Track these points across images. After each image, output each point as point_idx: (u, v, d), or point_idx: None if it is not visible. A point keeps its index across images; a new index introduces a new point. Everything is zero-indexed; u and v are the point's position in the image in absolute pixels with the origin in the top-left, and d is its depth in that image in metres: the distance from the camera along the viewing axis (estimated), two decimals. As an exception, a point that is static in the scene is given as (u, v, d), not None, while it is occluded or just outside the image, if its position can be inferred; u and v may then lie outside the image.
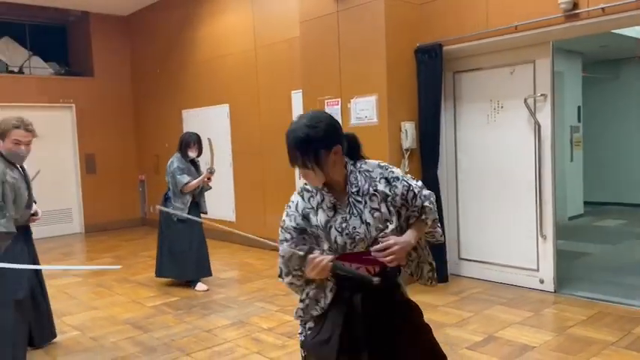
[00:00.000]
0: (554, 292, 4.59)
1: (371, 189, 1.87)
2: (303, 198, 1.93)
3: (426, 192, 1.95)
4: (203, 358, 3.49)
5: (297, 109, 6.28)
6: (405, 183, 1.91)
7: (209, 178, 5.28)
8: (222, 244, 7.33)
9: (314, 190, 1.91)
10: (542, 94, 4.52)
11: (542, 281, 4.65)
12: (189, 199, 5.22)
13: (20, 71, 8.92)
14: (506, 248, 4.88)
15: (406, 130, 4.87)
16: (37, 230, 3.40)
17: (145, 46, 9.28)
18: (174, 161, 5.21)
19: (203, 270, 5.29)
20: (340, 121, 5.21)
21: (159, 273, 5.37)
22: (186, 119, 8.42)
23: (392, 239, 1.83)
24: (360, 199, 1.87)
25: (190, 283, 5.26)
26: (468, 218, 5.14)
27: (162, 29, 8.77)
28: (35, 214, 3.59)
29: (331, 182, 1.88)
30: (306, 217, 1.90)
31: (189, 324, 4.19)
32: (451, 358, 1.89)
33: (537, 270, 4.69)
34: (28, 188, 3.52)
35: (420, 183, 1.97)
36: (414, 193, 1.90)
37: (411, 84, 4.98)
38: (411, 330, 1.97)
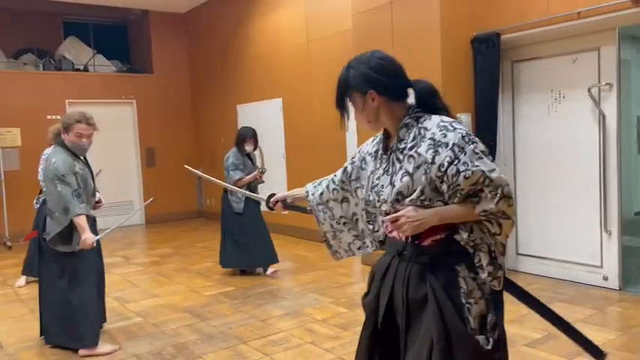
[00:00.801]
0: (619, 289, 4.39)
1: (414, 149, 1.64)
2: (372, 141, 1.86)
3: (493, 175, 1.56)
4: (258, 347, 3.57)
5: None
6: (451, 154, 1.56)
7: (260, 177, 5.38)
8: (276, 235, 7.42)
9: (379, 137, 1.81)
10: (607, 84, 4.32)
11: (606, 278, 4.46)
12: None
13: (85, 69, 9.34)
14: (568, 244, 4.70)
15: (462, 122, 4.77)
16: (101, 221, 3.62)
17: (202, 43, 9.51)
18: (230, 156, 5.35)
19: (269, 258, 5.41)
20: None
21: (225, 264, 5.48)
22: (241, 114, 8.58)
23: (404, 210, 1.64)
24: (401, 156, 1.67)
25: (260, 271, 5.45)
26: (527, 213, 4.99)
27: (218, 26, 8.96)
28: (99, 201, 3.84)
29: (390, 132, 1.75)
30: (364, 160, 1.87)
31: (244, 313, 4.29)
32: (510, 356, 1.82)
33: (601, 266, 4.50)
34: (92, 178, 3.75)
35: (490, 166, 1.57)
36: (457, 169, 1.55)
37: (467, 75, 4.88)
38: (422, 325, 1.68)
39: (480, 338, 1.64)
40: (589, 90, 4.37)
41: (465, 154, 1.56)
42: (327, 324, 3.95)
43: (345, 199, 2.04)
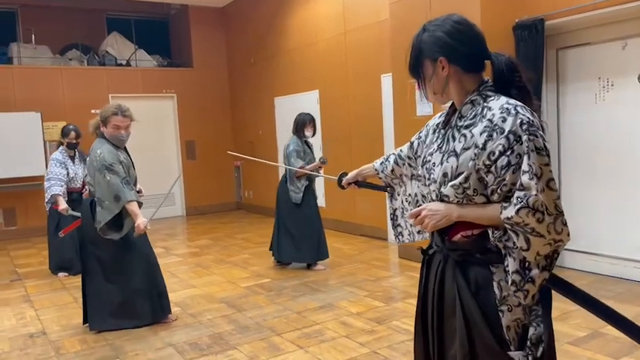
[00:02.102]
0: (672, 287, 4.17)
1: (469, 128, 1.47)
2: (440, 115, 1.71)
3: (534, 192, 1.34)
4: (293, 339, 3.55)
5: (387, 93, 6.18)
6: (505, 143, 1.37)
7: (320, 167, 5.31)
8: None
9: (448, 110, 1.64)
10: (660, 70, 4.09)
11: (657, 275, 4.24)
12: (304, 182, 5.31)
13: (127, 64, 9.54)
14: (617, 238, 4.49)
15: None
16: (143, 212, 3.73)
17: (240, 37, 9.56)
18: (291, 144, 5.27)
19: (321, 253, 5.34)
20: (431, 105, 5.09)
21: (279, 257, 5.41)
22: (278, 106, 8.59)
23: (425, 204, 1.56)
24: (457, 134, 1.51)
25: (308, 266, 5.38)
26: (573, 207, 4.78)
27: (256, 19, 8.98)
28: (139, 191, 3.96)
29: (457, 106, 1.57)
30: (428, 135, 1.74)
31: (279, 305, 4.29)
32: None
33: (652, 263, 4.28)
34: (134, 168, 3.89)
35: (532, 169, 1.35)
36: (509, 162, 1.37)
37: (509, 63, 4.70)
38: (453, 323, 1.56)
39: (517, 354, 1.46)
40: (639, 77, 4.15)
41: (520, 145, 1.36)
42: (362, 318, 3.90)
43: (413, 176, 1.97)
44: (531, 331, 1.47)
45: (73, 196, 5.63)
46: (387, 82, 6.21)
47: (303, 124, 5.28)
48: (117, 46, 9.63)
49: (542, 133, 1.39)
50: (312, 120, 5.34)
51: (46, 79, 8.56)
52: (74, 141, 5.64)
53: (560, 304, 3.89)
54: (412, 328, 3.57)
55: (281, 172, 8.27)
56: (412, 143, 1.93)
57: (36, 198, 8.34)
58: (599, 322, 3.52)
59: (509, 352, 1.46)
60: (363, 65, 6.66)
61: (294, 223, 5.26)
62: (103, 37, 9.82)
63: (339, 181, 2.27)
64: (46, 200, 5.33)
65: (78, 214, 5.16)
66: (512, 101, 1.46)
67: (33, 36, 9.10)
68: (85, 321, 3.94)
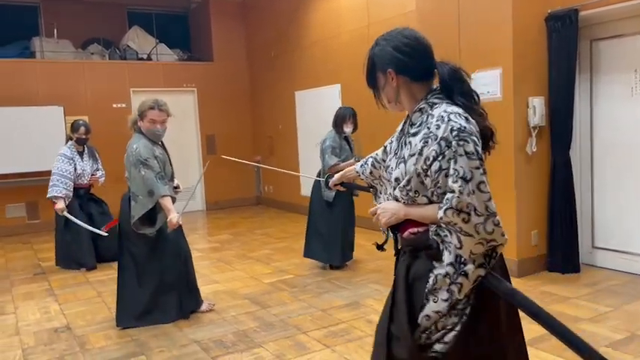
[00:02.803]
0: None
1: (415, 136, 1.58)
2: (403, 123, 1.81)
3: (457, 194, 1.43)
4: (319, 338, 3.49)
5: (413, 86, 6.05)
6: (437, 149, 1.47)
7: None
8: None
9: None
10: (701, 61, 3.92)
11: (695, 276, 4.09)
12: None
13: (149, 58, 9.54)
14: (651, 237, 4.34)
15: (534, 106, 4.47)
16: (174, 206, 3.73)
17: (261, 30, 9.49)
18: (327, 139, 5.01)
19: (347, 255, 5.18)
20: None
21: (306, 253, 5.24)
22: (299, 101, 8.51)
23: (383, 203, 1.71)
24: (407, 141, 1.63)
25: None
26: (605, 203, 4.64)
27: (277, 12, 8.90)
28: (177, 186, 4.01)
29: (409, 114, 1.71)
30: (394, 140, 1.85)
31: (304, 302, 4.23)
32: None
33: (690, 263, 4.12)
34: (170, 163, 3.90)
35: (459, 173, 1.45)
36: (441, 166, 1.47)
37: (540, 55, 4.56)
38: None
39: (421, 336, 1.58)
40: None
41: (450, 150, 1.47)
42: (389, 316, 3.81)
43: None
44: (443, 320, 1.55)
45: (80, 193, 5.64)
46: (411, 75, 6.09)
47: (342, 118, 4.98)
48: (138, 40, 9.63)
49: (474, 138, 1.48)
50: (353, 115, 5.02)
51: (68, 74, 8.59)
52: (84, 136, 5.62)
53: (595, 305, 3.76)
54: (442, 328, 3.49)
55: (303, 167, 8.22)
56: (385, 147, 2.01)
57: (58, 192, 8.41)
58: (637, 325, 3.41)
59: (421, 339, 1.58)
60: (387, 58, 6.53)
61: (325, 223, 5.04)
62: (124, 32, 9.82)
63: (326, 182, 2.43)
64: (47, 196, 5.36)
65: (72, 217, 5.21)
66: (450, 109, 1.55)
67: (55, 30, 9.13)
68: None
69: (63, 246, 5.67)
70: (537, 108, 4.47)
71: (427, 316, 1.56)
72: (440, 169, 1.48)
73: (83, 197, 5.69)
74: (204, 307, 4.08)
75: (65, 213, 5.30)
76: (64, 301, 4.58)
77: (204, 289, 4.72)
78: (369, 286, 4.58)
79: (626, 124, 4.44)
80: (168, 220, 3.63)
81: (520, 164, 4.51)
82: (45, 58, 8.77)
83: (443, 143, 1.48)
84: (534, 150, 4.52)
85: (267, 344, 3.43)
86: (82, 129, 5.61)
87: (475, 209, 1.44)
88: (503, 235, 1.48)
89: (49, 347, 3.54)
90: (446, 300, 1.53)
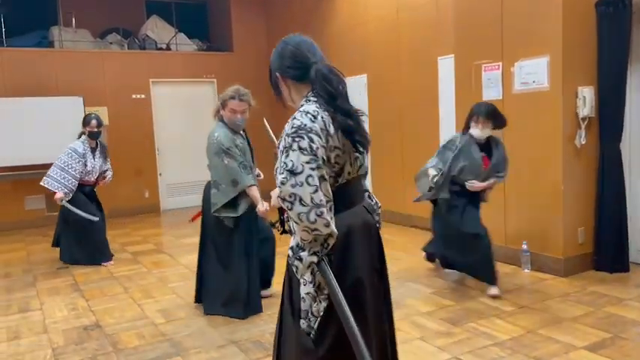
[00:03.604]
0: None
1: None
2: None
3: (279, 183, 1.62)
4: (363, 340, 3.30)
5: (446, 76, 5.83)
6: (283, 144, 1.66)
7: None
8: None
9: None
10: None
11: None
12: None
13: (168, 48, 9.36)
14: None
15: (584, 97, 4.24)
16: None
17: (282, 19, 9.27)
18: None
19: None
20: (500, 87, 4.73)
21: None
22: (323, 91, 8.29)
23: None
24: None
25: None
26: (656, 199, 4.40)
27: (299, 0, 8.67)
28: (258, 175, 4.00)
29: None
30: None
31: (341, 301, 4.04)
32: None
33: None
34: (251, 153, 3.87)
35: (287, 166, 1.61)
36: (281, 159, 1.66)
37: (589, 42, 4.31)
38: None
39: (301, 322, 1.75)
40: None
41: (287, 145, 1.63)
42: (434, 317, 3.62)
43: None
44: (315, 305, 1.72)
45: (86, 190, 5.46)
46: (444, 64, 5.86)
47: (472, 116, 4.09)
48: (157, 30, 9.45)
49: (312, 135, 1.63)
50: (488, 112, 4.00)
51: (87, 63, 8.44)
52: (95, 130, 5.39)
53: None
54: (492, 332, 3.29)
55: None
56: None
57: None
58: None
59: (299, 321, 1.75)
60: (418, 47, 6.31)
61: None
62: (142, 21, 9.65)
63: None
64: (42, 182, 5.24)
65: (71, 207, 5.16)
66: (305, 108, 1.71)
67: (73, 19, 8.98)
68: (196, 300, 4.04)
69: (73, 244, 5.50)
70: (587, 98, 4.24)
71: (302, 298, 1.74)
72: (281, 161, 1.65)
73: (89, 195, 5.49)
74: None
75: (64, 202, 5.15)
76: (90, 297, 4.43)
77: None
78: (407, 284, 4.38)
79: (681, 115, 4.20)
80: (257, 209, 3.63)
81: (568, 158, 4.29)
82: (63, 47, 8.62)
83: (287, 139, 1.65)
84: (583, 143, 4.29)
85: (309, 346, 3.25)
86: (94, 122, 5.37)
87: (300, 199, 1.57)
88: (327, 226, 1.59)
89: (80, 347, 3.39)
90: (311, 282, 1.71)
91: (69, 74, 8.25)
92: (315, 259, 1.64)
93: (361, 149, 1.79)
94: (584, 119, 4.27)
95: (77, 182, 5.30)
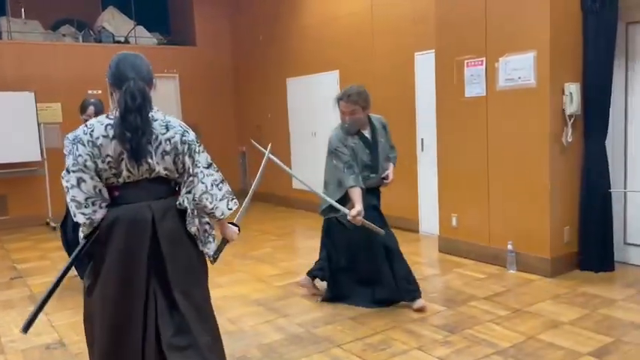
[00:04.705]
0: None
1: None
2: None
3: (62, 179, 2.11)
4: (357, 352, 3.08)
5: (424, 72, 5.68)
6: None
7: None
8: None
9: None
10: None
11: None
12: None
13: (126, 41, 8.88)
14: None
15: (571, 93, 4.16)
16: None
17: (247, 13, 8.95)
18: None
19: None
20: (484, 83, 4.60)
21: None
22: (291, 88, 8.04)
23: None
24: None
25: None
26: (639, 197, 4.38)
27: (266, -7, 8.38)
28: (386, 177, 3.82)
29: None
30: None
31: (328, 308, 3.82)
32: None
33: None
34: (371, 153, 3.70)
35: (66, 165, 2.09)
36: None
37: (575, 38, 4.24)
38: None
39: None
40: None
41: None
42: (428, 324, 3.44)
43: None
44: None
45: None
46: (423, 60, 5.72)
47: None
48: (114, 22, 8.95)
49: (79, 144, 2.05)
50: None
51: (39, 56, 7.88)
52: (93, 118, 4.88)
53: None
54: (492, 339, 3.14)
55: (295, 158, 7.74)
56: None
57: (30, 185, 7.74)
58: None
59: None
60: (393, 43, 6.14)
61: None
62: (97, 12, 9.14)
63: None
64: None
65: None
66: (91, 120, 2.16)
67: (22, 10, 8.39)
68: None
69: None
70: (574, 95, 4.16)
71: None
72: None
73: None
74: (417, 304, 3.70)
75: None
76: (51, 310, 4.03)
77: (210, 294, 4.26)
78: (393, 288, 4.19)
79: (665, 113, 4.18)
80: (349, 212, 3.46)
81: (555, 155, 4.20)
82: (12, 39, 8.03)
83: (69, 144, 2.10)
84: (570, 140, 4.22)
85: (300, 360, 3.02)
86: (91, 109, 4.69)
87: (69, 189, 2.04)
88: (74, 215, 2.05)
89: (42, 369, 3.03)
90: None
91: (19, 67, 7.69)
92: (81, 235, 2.14)
93: (137, 157, 2.05)
94: (570, 116, 4.20)
95: None
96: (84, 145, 2.03)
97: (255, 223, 7.13)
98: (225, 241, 2.43)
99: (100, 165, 2.04)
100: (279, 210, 8.05)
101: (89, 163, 2.02)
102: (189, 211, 2.15)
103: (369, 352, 3.07)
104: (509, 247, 4.46)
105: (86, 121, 4.75)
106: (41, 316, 3.81)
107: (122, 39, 8.86)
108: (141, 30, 9.14)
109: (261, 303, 4.01)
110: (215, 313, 3.62)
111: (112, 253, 2.08)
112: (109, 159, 2.04)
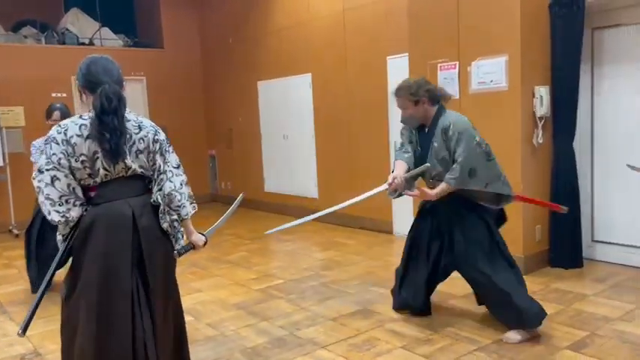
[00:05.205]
0: None
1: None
2: None
3: (33, 173, 2.24)
4: (342, 353, 3.10)
5: (396, 76, 5.74)
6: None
7: None
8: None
9: None
10: None
11: (702, 268, 4.06)
12: None
13: (91, 43, 8.68)
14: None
15: (541, 96, 4.29)
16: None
17: (216, 15, 8.88)
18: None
19: None
20: (457, 86, 4.70)
21: None
22: (263, 91, 8.01)
23: None
24: None
25: None
26: (607, 197, 4.54)
27: (235, -4, 8.34)
28: (410, 187, 3.58)
29: None
30: None
31: (308, 311, 3.82)
32: None
33: (696, 255, 4.09)
34: (420, 152, 3.39)
35: (38, 165, 2.15)
36: None
37: (544, 42, 4.38)
38: None
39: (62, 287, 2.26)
40: None
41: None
42: (410, 324, 3.48)
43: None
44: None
45: None
46: (394, 64, 5.80)
47: None
48: (78, 24, 8.73)
49: (53, 144, 2.11)
50: None
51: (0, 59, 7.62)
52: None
53: (618, 303, 3.59)
54: (474, 337, 3.20)
55: (267, 161, 7.69)
56: None
57: (-9, 192, 7.46)
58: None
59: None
60: (366, 47, 6.20)
61: None
62: (60, 14, 8.90)
63: None
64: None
65: None
66: (64, 121, 2.20)
67: (-20, 10, 8.10)
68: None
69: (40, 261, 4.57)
70: (544, 98, 4.30)
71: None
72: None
73: None
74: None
75: None
76: (22, 319, 3.89)
77: (188, 299, 4.21)
78: (372, 289, 4.23)
79: (628, 115, 4.35)
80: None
81: (526, 157, 4.32)
82: (-30, 40, 7.74)
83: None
84: (540, 142, 4.35)
85: (286, 363, 3.01)
86: (57, 114, 4.52)
87: (42, 191, 2.07)
88: (49, 214, 2.09)
89: (19, 381, 2.93)
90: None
91: (-22, 70, 7.41)
92: (60, 237, 2.18)
93: (114, 157, 2.15)
94: (541, 118, 4.33)
95: None
96: (58, 143, 2.09)
97: (228, 228, 7.04)
98: (191, 245, 2.46)
99: (74, 164, 2.11)
100: (251, 214, 7.99)
101: (63, 162, 2.08)
102: (161, 207, 2.28)
103: (354, 353, 3.09)
104: (484, 246, 4.55)
105: (52, 126, 4.59)
106: (12, 326, 3.72)
107: (87, 41, 8.65)
108: (106, 32, 8.95)
109: (241, 307, 3.98)
110: (195, 318, 3.61)
111: (91, 253, 2.14)
112: (82, 157, 2.11)
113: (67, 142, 2.10)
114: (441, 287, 4.14)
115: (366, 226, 6.45)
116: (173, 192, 2.29)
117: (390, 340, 3.24)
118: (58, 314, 3.86)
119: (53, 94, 8.00)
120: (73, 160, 2.10)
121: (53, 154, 2.08)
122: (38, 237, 4.60)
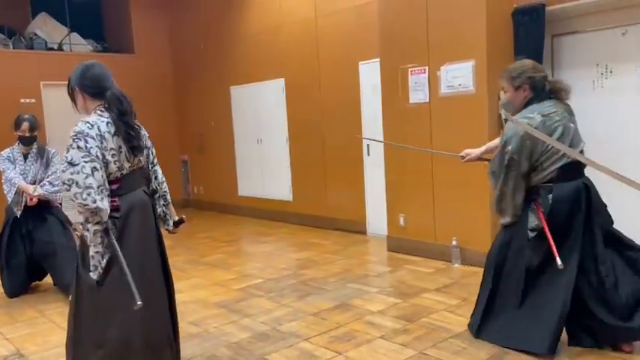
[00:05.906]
0: None
1: None
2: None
3: (59, 173, 2.84)
4: (325, 344, 3.22)
5: (368, 81, 5.95)
6: (69, 143, 2.28)
7: None
8: (279, 224, 7.08)
9: None
10: (660, 57, 4.17)
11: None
12: None
13: (60, 48, 8.61)
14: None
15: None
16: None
17: (187, 20, 8.92)
18: None
19: None
20: (427, 90, 4.92)
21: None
22: (235, 96, 8.10)
23: None
24: None
25: None
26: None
27: (205, 1, 8.40)
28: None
29: None
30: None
31: (289, 307, 3.93)
32: None
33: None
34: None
35: (67, 159, 2.25)
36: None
37: (509, 48, 4.63)
38: None
39: (92, 274, 2.37)
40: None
41: (69, 144, 2.28)
42: (387, 316, 3.64)
43: None
44: (102, 260, 2.35)
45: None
46: (367, 69, 5.98)
47: None
48: (46, 29, 8.65)
49: (86, 137, 2.26)
50: None
51: (-34, 64, 7.50)
52: (27, 135, 4.46)
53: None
54: (448, 326, 3.37)
55: (241, 166, 7.76)
56: None
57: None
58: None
59: (89, 273, 2.38)
60: (338, 52, 6.37)
61: None
62: (27, 19, 8.79)
63: None
64: (10, 202, 4.41)
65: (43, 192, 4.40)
66: (87, 118, 2.35)
67: (-55, 14, 7.95)
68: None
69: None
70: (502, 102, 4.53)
71: (92, 256, 2.36)
72: (64, 156, 2.29)
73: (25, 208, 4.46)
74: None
75: (39, 190, 4.41)
76: (1, 323, 3.89)
77: (169, 299, 4.25)
78: (349, 285, 4.37)
79: (586, 117, 4.61)
80: None
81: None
82: None
83: (69, 140, 2.27)
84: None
85: (270, 355, 3.11)
86: (26, 124, 4.46)
87: (77, 183, 2.20)
88: (94, 202, 2.22)
89: (5, 381, 2.95)
90: (100, 243, 2.35)
91: (-57, 75, 7.27)
92: (99, 227, 2.31)
93: (136, 152, 2.43)
94: (506, 121, 4.56)
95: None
96: (93, 138, 2.27)
97: (202, 231, 7.11)
98: (184, 218, 2.83)
99: (107, 157, 2.31)
100: (225, 217, 8.05)
101: (99, 154, 2.28)
102: (158, 194, 2.70)
103: (336, 344, 3.22)
104: (454, 243, 4.77)
105: (20, 137, 4.58)
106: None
107: (56, 46, 8.58)
108: (75, 37, 8.89)
109: (223, 305, 4.07)
110: (178, 318, 3.67)
111: (131, 238, 2.37)
112: (112, 152, 2.34)
113: (102, 136, 2.29)
114: (416, 282, 4.34)
115: (340, 227, 6.60)
116: (162, 181, 2.72)
117: (369, 331, 3.39)
118: (38, 317, 3.92)
119: (22, 100, 7.92)
120: (106, 154, 2.30)
121: (91, 147, 2.24)
122: (8, 246, 4.56)
